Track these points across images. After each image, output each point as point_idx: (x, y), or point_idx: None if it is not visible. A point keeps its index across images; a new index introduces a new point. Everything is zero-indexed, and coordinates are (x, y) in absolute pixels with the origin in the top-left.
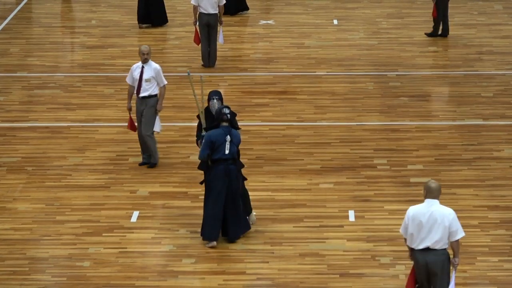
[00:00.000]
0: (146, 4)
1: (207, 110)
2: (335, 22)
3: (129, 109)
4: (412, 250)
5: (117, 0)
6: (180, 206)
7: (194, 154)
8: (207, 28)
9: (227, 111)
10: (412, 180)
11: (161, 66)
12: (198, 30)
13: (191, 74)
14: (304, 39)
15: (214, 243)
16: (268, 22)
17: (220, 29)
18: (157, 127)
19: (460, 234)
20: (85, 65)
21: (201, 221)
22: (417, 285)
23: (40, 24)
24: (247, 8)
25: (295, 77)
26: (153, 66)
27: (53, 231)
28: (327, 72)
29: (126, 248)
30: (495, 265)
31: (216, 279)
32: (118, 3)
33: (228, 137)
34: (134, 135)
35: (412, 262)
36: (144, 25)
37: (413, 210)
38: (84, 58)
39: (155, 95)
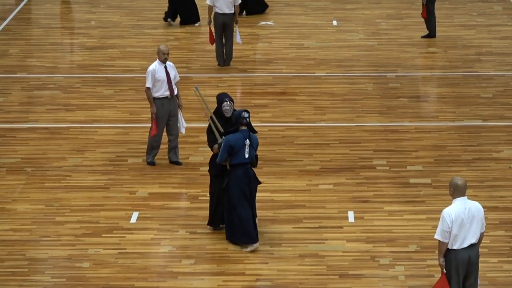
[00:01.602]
0: (177, 2)
1: (217, 113)
2: (335, 23)
3: (155, 113)
4: (449, 251)
5: (116, 1)
6: (180, 207)
7: (193, 155)
8: (222, 28)
9: (246, 114)
10: (412, 181)
11: None
12: (213, 30)
13: (199, 89)
14: (303, 40)
15: (257, 245)
16: (268, 23)
17: (237, 29)
18: (182, 127)
19: (484, 224)
20: (84, 66)
21: (199, 222)
22: None
23: (40, 25)
24: (266, 6)
25: (294, 78)
26: (171, 64)
27: (52, 232)
28: (327, 73)
29: (125, 249)
30: (495, 266)
31: (216, 280)
32: (117, 4)
33: (247, 141)
34: (134, 136)
35: (441, 269)
36: (171, 21)
37: (452, 211)
38: (83, 59)
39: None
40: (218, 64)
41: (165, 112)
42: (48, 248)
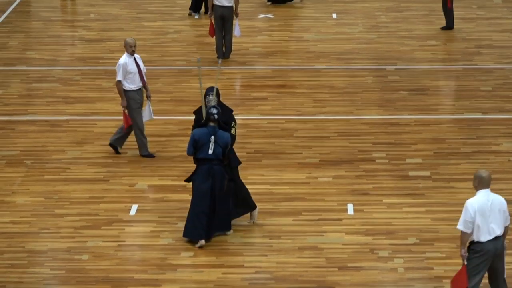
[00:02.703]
0: None
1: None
2: (334, 16)
3: (126, 106)
4: (474, 243)
5: None
6: (179, 199)
7: None
8: (221, 20)
9: (214, 111)
10: (411, 173)
11: (160, 60)
12: (213, 22)
13: (200, 61)
14: (303, 33)
15: (203, 242)
16: (267, 15)
17: (236, 22)
18: (148, 116)
19: (508, 218)
20: (84, 58)
21: None
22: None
23: (39, 18)
24: None
25: (294, 71)
26: (138, 56)
27: (52, 225)
28: (326, 66)
29: (124, 241)
30: None
31: (215, 273)
32: None
33: (213, 138)
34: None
35: (463, 261)
36: (194, 14)
37: (475, 203)
38: (83, 51)
39: None
40: (218, 57)
41: (139, 102)
42: (48, 241)
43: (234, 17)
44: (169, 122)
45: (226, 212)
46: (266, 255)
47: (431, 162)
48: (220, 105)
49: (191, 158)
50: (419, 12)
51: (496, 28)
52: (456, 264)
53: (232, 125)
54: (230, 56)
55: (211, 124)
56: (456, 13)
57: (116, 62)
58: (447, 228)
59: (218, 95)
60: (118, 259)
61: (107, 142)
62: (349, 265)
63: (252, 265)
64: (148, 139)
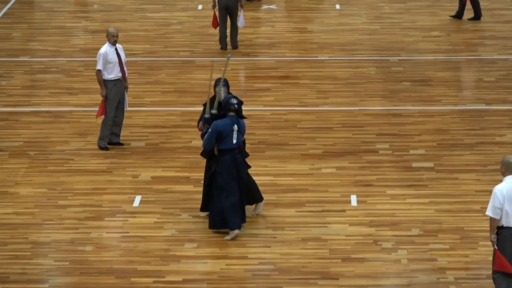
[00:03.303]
0: None
1: (212, 98)
2: (338, 6)
3: (106, 95)
4: (503, 228)
5: None
6: (182, 190)
7: (196, 139)
8: (225, 11)
9: (234, 101)
10: (414, 165)
11: (163, 51)
12: (217, 13)
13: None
14: (306, 24)
15: (237, 231)
16: (271, 6)
17: (241, 12)
18: (127, 105)
19: None
20: (87, 49)
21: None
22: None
23: (42, 9)
24: None
25: (297, 62)
26: (120, 46)
27: (55, 216)
28: (330, 57)
29: (128, 232)
30: None
31: (219, 264)
32: None
33: (236, 127)
34: (136, 119)
35: (494, 246)
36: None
37: (504, 188)
38: (86, 42)
39: None
40: (221, 48)
41: (117, 93)
42: (51, 232)
43: (239, 7)
44: (172, 113)
45: (244, 200)
46: (269, 246)
47: (435, 153)
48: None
49: (195, 149)
50: (423, 3)
51: (499, 19)
52: (460, 255)
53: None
54: (231, 47)
55: (231, 113)
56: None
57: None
58: (451, 219)
59: (227, 86)
60: (121, 250)
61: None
62: (353, 256)
63: (256, 256)
64: (151, 130)
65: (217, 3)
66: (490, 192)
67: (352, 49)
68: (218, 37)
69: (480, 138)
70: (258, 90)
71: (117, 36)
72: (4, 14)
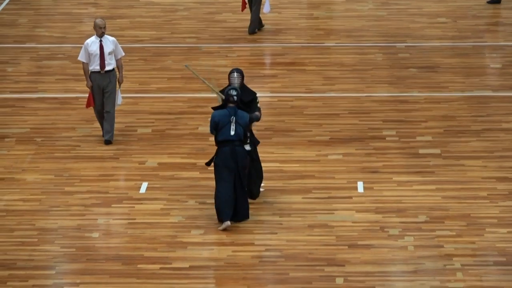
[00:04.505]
0: None
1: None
2: None
3: (91, 87)
4: None
5: None
6: (189, 177)
7: (202, 125)
8: None
9: (234, 93)
10: (421, 151)
11: (170, 37)
12: None
13: (188, 66)
14: (313, 10)
15: (228, 223)
16: None
17: None
18: (119, 100)
19: None
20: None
21: (208, 192)
22: None
23: None
24: None
25: (304, 48)
26: (110, 39)
27: (62, 202)
28: (336, 43)
29: (135, 219)
30: (504, 237)
31: (225, 250)
32: None
33: (233, 118)
34: (143, 106)
35: None
36: None
37: None
38: (92, 29)
39: (114, 69)
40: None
41: (97, 86)
42: (58, 218)
43: None
44: (178, 99)
45: (245, 196)
46: (276, 233)
47: (441, 140)
48: (243, 87)
49: (201, 136)
50: None
51: (506, 5)
52: (467, 242)
53: (257, 100)
54: (238, 33)
55: (231, 105)
56: None
57: (126, 39)
58: (457, 206)
59: (243, 76)
60: (128, 237)
61: (117, 120)
62: (359, 243)
63: (262, 243)
64: (158, 116)
65: None
66: (497, 179)
67: (358, 36)
68: (224, 23)
69: (486, 124)
70: (265, 77)
71: (104, 28)
72: (10, 1)
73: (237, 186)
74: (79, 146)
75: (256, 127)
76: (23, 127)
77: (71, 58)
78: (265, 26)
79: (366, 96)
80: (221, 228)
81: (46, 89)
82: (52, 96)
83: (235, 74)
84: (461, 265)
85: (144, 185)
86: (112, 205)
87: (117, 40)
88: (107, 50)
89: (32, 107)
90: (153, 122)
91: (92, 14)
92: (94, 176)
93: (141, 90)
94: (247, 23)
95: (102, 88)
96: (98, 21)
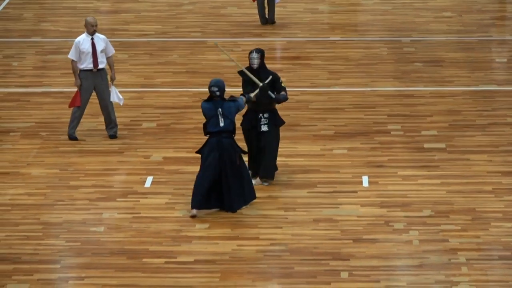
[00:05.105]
0: None
1: (248, 67)
2: None
3: (80, 85)
4: None
5: None
6: (194, 171)
7: None
8: None
9: (215, 89)
10: (426, 145)
11: (175, 32)
12: None
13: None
14: (318, 4)
15: (194, 211)
16: None
17: None
18: (116, 98)
19: None
20: (98, 30)
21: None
22: None
23: None
24: None
25: (308, 43)
26: (101, 37)
27: (66, 196)
28: (341, 37)
29: (139, 213)
30: (509, 231)
31: (230, 245)
32: None
33: (220, 110)
34: (148, 100)
35: None
36: None
37: None
38: (97, 23)
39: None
40: (262, 23)
41: (88, 85)
42: (63, 212)
43: None
44: (183, 94)
45: (242, 185)
46: (281, 227)
47: (446, 134)
48: (262, 66)
49: None
50: None
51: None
52: (472, 236)
53: (281, 80)
54: (243, 28)
55: (216, 99)
56: None
57: (131, 34)
58: (462, 200)
59: (262, 56)
60: (133, 231)
61: (122, 114)
62: (364, 237)
63: (267, 237)
64: (163, 111)
65: None
66: (502, 173)
67: (363, 30)
68: (229, 17)
69: (492, 119)
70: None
71: (96, 26)
72: None
73: (225, 179)
74: (84, 140)
75: None
76: (28, 121)
77: None
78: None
79: (371, 90)
80: (190, 214)
81: (51, 83)
82: (57, 91)
83: (254, 54)
84: (466, 259)
85: (149, 179)
86: (117, 199)
87: (121, 34)
88: (99, 48)
89: (37, 102)
90: (158, 117)
91: (97, 8)
92: (99, 170)
93: (146, 84)
94: (253, 17)
95: (94, 86)
96: (90, 19)
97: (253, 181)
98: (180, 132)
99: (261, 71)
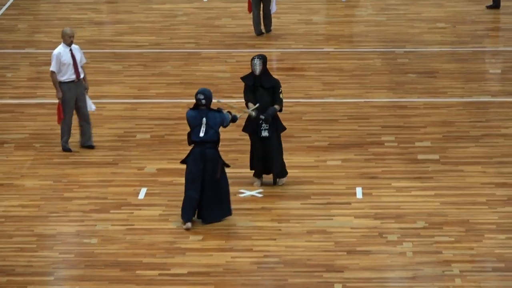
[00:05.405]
0: None
1: (250, 74)
2: None
3: (62, 98)
4: None
5: None
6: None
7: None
8: None
9: (201, 97)
10: (420, 157)
11: (169, 43)
12: None
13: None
14: (312, 15)
15: (189, 224)
16: None
17: None
18: (92, 106)
19: None
20: (92, 41)
21: None
22: None
23: (48, 0)
24: None
25: (303, 54)
26: (76, 47)
27: (60, 208)
28: (335, 48)
29: (133, 225)
30: (503, 243)
31: (224, 256)
32: None
33: (204, 120)
34: (142, 111)
35: None
36: None
37: None
38: (91, 34)
39: None
40: (256, 34)
41: (72, 96)
42: (57, 224)
43: None
44: (177, 105)
45: (220, 199)
46: (274, 239)
47: (440, 145)
48: (265, 73)
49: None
50: None
51: (505, 11)
52: (465, 248)
53: (280, 90)
54: (237, 39)
55: (202, 107)
56: None
57: (124, 45)
58: (456, 211)
59: (265, 62)
60: (127, 243)
61: (116, 126)
62: (358, 249)
63: (261, 249)
64: (156, 122)
65: None
66: (496, 184)
67: (357, 41)
68: (223, 28)
69: (485, 130)
70: None
71: (73, 37)
72: (9, 6)
73: (204, 189)
74: (78, 151)
75: None
76: (22, 132)
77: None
78: (264, 33)
79: (365, 101)
80: (184, 227)
81: (45, 95)
82: (51, 102)
83: (256, 60)
84: (460, 271)
85: (143, 191)
86: (111, 211)
87: (115, 45)
88: (78, 58)
89: (31, 113)
90: (152, 128)
91: (91, 19)
92: (93, 182)
93: (140, 95)
94: (247, 29)
95: (76, 97)
96: (68, 30)
97: (254, 183)
98: (174, 144)
99: (263, 77)
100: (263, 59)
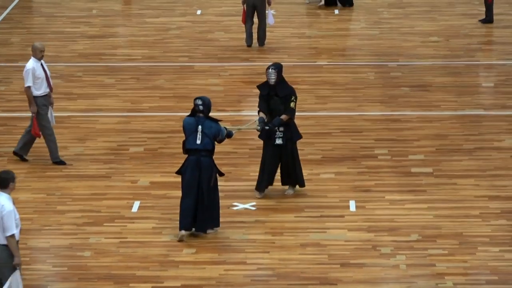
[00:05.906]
0: None
1: (265, 83)
2: (336, 11)
3: (37, 112)
4: None
5: None
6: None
7: None
8: (253, 9)
9: (199, 102)
10: (413, 170)
11: (162, 56)
12: (246, 10)
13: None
14: (305, 29)
15: (183, 232)
16: (270, 11)
17: (269, 10)
18: (53, 120)
19: None
20: (86, 54)
21: None
22: None
23: (41, 14)
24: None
25: (296, 67)
26: (43, 61)
27: (54, 221)
28: (328, 62)
29: (126, 238)
30: (496, 255)
31: (217, 269)
32: None
33: (200, 128)
34: (135, 125)
35: None
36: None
37: None
38: (85, 47)
39: None
40: (247, 45)
41: (47, 109)
42: (50, 237)
43: (267, 5)
44: (170, 118)
45: (211, 209)
46: (268, 252)
47: (434, 159)
48: (281, 81)
49: None
50: (421, 8)
51: (498, 24)
52: (459, 261)
53: (292, 99)
54: (230, 52)
55: (200, 114)
56: (458, 9)
57: (118, 58)
58: (450, 224)
59: (280, 71)
60: (120, 256)
61: (110, 139)
62: (352, 261)
63: (254, 262)
64: (150, 135)
65: (245, 1)
66: (489, 197)
67: (351, 54)
68: (216, 42)
69: (479, 143)
70: (257, 96)
71: (43, 51)
72: (3, 19)
73: (199, 197)
74: (71, 165)
75: (248, 146)
76: (15, 146)
77: (63, 77)
78: (257, 45)
79: (358, 115)
80: (177, 238)
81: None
82: None
83: (271, 70)
84: (453, 283)
85: (136, 204)
86: (104, 224)
87: (108, 59)
88: (48, 72)
89: (24, 126)
90: (145, 141)
91: (85, 33)
92: (86, 195)
93: (133, 109)
94: (240, 42)
95: (47, 108)
96: (38, 44)
97: (257, 194)
98: (167, 157)
99: (278, 86)
100: (278, 68)
